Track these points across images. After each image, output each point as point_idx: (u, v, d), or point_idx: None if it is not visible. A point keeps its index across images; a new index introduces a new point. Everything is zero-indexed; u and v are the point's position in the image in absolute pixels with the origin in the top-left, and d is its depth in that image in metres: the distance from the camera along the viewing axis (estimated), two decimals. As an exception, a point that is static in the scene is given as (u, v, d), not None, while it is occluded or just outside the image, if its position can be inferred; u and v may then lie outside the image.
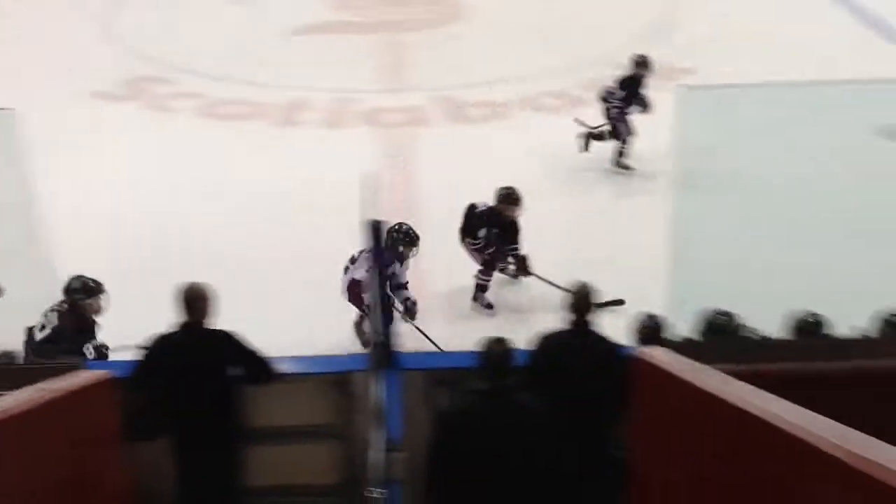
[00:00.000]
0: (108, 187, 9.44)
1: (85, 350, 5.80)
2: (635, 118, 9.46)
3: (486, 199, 7.52)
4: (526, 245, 7.55)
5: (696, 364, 3.74)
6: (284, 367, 4.59)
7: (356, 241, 5.57)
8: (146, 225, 8.70)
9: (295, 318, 7.01)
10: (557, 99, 11.51)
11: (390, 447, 3.91)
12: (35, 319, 5.86)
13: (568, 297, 4.46)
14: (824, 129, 9.50)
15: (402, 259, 6.86)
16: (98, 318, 5.96)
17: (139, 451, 4.44)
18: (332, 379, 4.80)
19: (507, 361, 3.96)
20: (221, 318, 4.44)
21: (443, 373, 4.74)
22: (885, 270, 6.79)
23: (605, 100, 9.67)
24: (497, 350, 3.96)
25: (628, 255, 7.63)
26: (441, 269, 7.71)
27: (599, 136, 9.83)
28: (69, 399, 3.92)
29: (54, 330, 5.80)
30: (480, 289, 7.59)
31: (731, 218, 7.69)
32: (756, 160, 8.93)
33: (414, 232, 6.91)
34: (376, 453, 3.85)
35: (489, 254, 7.49)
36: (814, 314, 5.04)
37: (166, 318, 4.40)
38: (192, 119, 11.24)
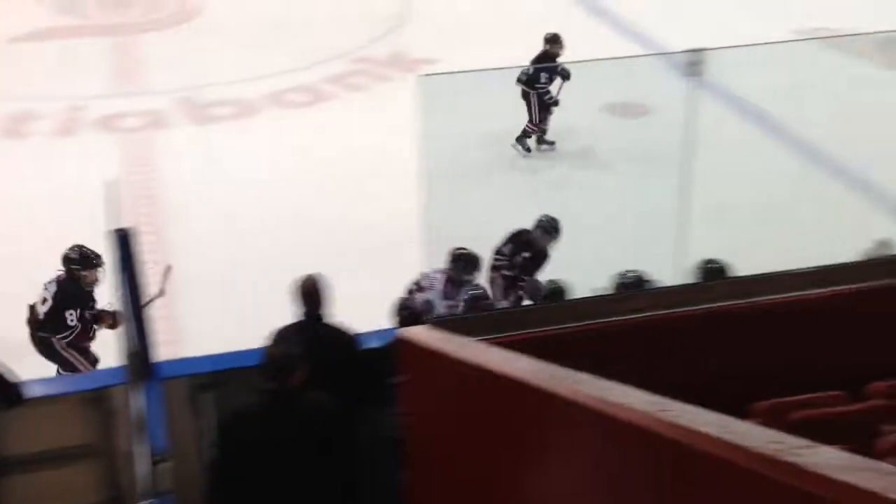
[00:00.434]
0: None
1: (68, 317, 5.99)
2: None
3: (237, 198, 7.40)
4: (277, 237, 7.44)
5: (457, 338, 3.84)
6: (35, 391, 4.32)
7: (104, 252, 5.31)
8: None
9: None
10: (303, 94, 11.47)
11: (155, 459, 3.78)
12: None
13: (296, 290, 4.52)
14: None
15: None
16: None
17: None
18: (90, 397, 4.58)
19: (291, 361, 3.94)
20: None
21: (205, 377, 4.62)
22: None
23: (521, 82, 9.66)
24: (279, 351, 3.94)
25: (388, 243, 7.73)
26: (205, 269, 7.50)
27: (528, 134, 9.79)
28: None
29: (54, 299, 6.02)
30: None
31: (484, 198, 7.98)
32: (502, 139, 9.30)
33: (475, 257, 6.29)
34: (142, 466, 3.71)
35: (508, 276, 6.92)
36: (553, 281, 5.37)
37: None
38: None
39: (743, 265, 5.55)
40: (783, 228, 7.76)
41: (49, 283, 6.13)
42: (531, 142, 9.85)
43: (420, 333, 4.12)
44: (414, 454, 4.15)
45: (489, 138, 9.54)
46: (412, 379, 4.11)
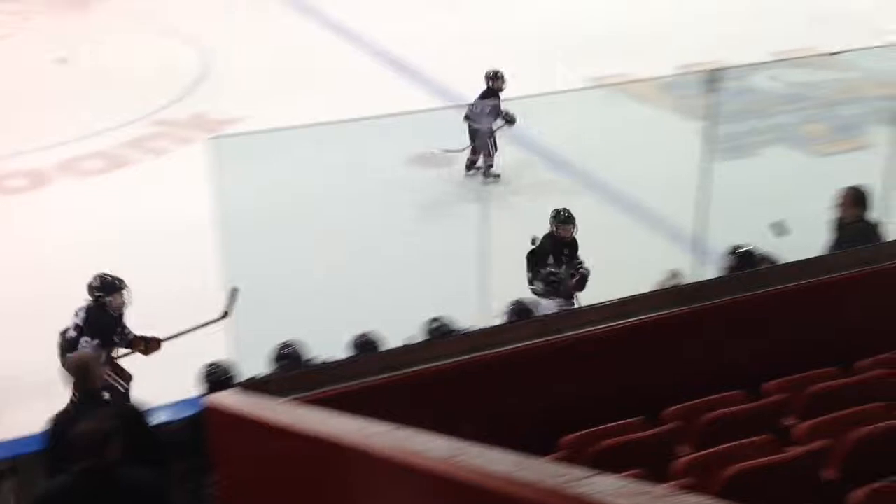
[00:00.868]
0: None
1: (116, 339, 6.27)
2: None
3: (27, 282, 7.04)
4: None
5: (265, 400, 3.81)
6: None
7: None
8: None
9: None
10: (100, 160, 11.08)
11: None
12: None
13: (70, 368, 4.41)
14: (364, 163, 10.14)
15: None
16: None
17: None
18: None
19: (107, 436, 3.79)
20: None
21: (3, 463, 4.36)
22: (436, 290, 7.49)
23: (469, 118, 10.12)
24: (92, 426, 3.78)
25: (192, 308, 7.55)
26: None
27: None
28: None
29: (84, 325, 6.18)
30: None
31: (288, 257, 7.95)
32: (303, 199, 9.30)
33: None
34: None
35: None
36: (372, 336, 5.41)
37: None
38: None
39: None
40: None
41: (79, 310, 6.34)
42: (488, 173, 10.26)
43: (228, 398, 4.05)
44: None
45: (290, 195, 9.51)
46: (223, 446, 4.03)
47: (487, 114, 10.17)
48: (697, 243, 7.31)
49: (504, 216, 7.36)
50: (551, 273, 7.35)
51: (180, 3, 16.67)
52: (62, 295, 6.75)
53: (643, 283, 7.29)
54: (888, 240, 6.23)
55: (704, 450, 3.98)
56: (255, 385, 4.18)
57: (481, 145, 10.29)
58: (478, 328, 4.93)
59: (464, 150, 10.34)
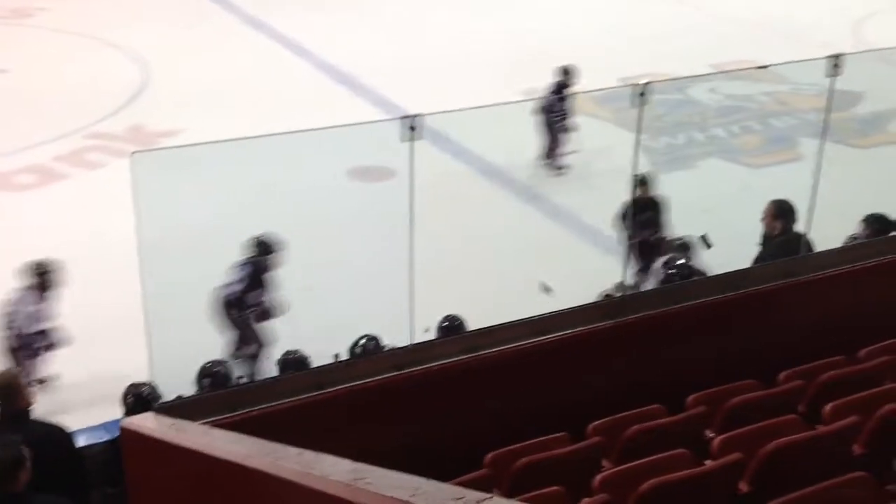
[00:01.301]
0: None
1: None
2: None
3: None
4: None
5: (179, 423, 3.75)
6: None
7: None
8: None
9: None
10: (32, 174, 10.87)
11: None
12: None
13: None
14: (302, 174, 10.08)
15: None
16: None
17: None
18: None
19: (15, 463, 3.70)
20: None
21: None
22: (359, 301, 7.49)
23: (545, 111, 10.73)
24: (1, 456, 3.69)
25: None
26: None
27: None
28: None
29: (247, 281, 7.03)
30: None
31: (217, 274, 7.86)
32: (234, 213, 9.21)
33: None
34: None
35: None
36: (299, 354, 5.37)
37: None
38: None
39: (475, 320, 5.79)
40: (524, 278, 8.11)
41: (238, 267, 7.06)
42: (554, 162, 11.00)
43: (145, 421, 4.00)
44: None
45: (221, 210, 9.40)
46: (139, 469, 3.97)
47: (558, 107, 10.90)
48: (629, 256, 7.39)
49: (438, 228, 7.35)
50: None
51: (119, 16, 16.44)
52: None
53: (585, 297, 7.37)
54: (812, 252, 6.33)
55: (625, 464, 4.01)
56: (173, 407, 4.12)
57: (552, 137, 10.98)
58: (404, 345, 4.90)
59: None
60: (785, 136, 12.05)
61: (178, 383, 5.08)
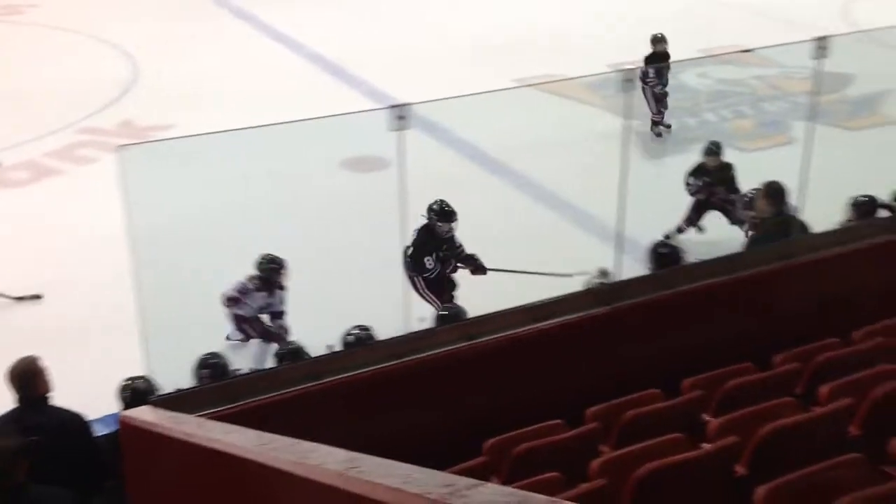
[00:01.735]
0: None
1: (426, 261, 7.40)
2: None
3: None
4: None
5: (176, 415, 3.76)
6: None
7: None
8: None
9: None
10: (23, 170, 10.84)
11: None
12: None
13: (10, 374, 4.32)
14: (295, 166, 10.07)
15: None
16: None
17: None
18: None
19: (9, 457, 3.71)
20: None
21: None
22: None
23: (642, 80, 11.13)
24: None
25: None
26: None
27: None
28: None
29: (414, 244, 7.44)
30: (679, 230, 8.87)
31: (210, 267, 7.85)
32: (227, 205, 9.20)
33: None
34: None
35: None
36: (295, 345, 5.38)
37: None
38: None
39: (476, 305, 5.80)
40: (518, 265, 8.11)
41: (416, 229, 7.34)
42: (659, 128, 11.55)
43: (143, 414, 4.01)
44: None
45: (213, 202, 9.38)
46: (137, 461, 3.98)
47: (651, 76, 11.29)
48: (621, 241, 7.39)
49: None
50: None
51: (109, 11, 16.40)
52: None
53: (573, 282, 7.37)
54: (805, 234, 6.35)
55: (622, 449, 4.02)
56: (170, 400, 4.12)
57: (650, 103, 11.43)
58: (400, 334, 4.91)
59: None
60: (777, 120, 12.06)
61: (175, 376, 5.09)
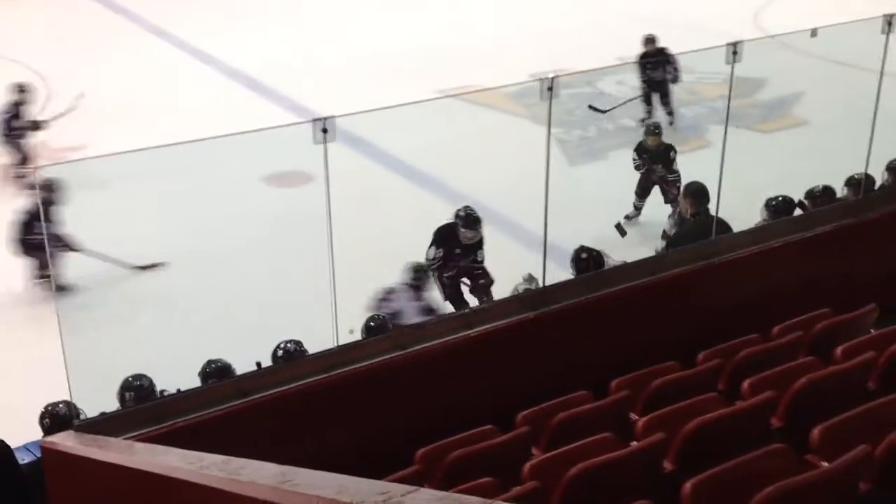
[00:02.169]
0: None
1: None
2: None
3: None
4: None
5: (101, 439, 3.69)
6: None
7: None
8: None
9: None
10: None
11: None
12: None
13: None
14: (216, 184, 9.94)
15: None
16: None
17: None
18: None
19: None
20: None
21: None
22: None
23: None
24: None
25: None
26: None
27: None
28: None
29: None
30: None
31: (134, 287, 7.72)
32: (147, 223, 9.07)
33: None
34: None
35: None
36: (221, 363, 5.32)
37: None
38: None
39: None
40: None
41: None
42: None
43: (66, 439, 3.93)
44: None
45: (134, 221, 9.24)
46: (62, 487, 3.89)
47: (656, 69, 11.91)
48: (546, 248, 7.51)
49: (354, 230, 7.33)
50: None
51: (17, 30, 16.01)
52: None
53: (501, 289, 7.42)
54: (727, 233, 6.49)
55: (553, 451, 4.06)
56: (94, 424, 4.04)
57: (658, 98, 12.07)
58: (330, 347, 4.88)
59: (607, 110, 12.09)
60: (693, 125, 12.33)
61: (99, 399, 4.97)
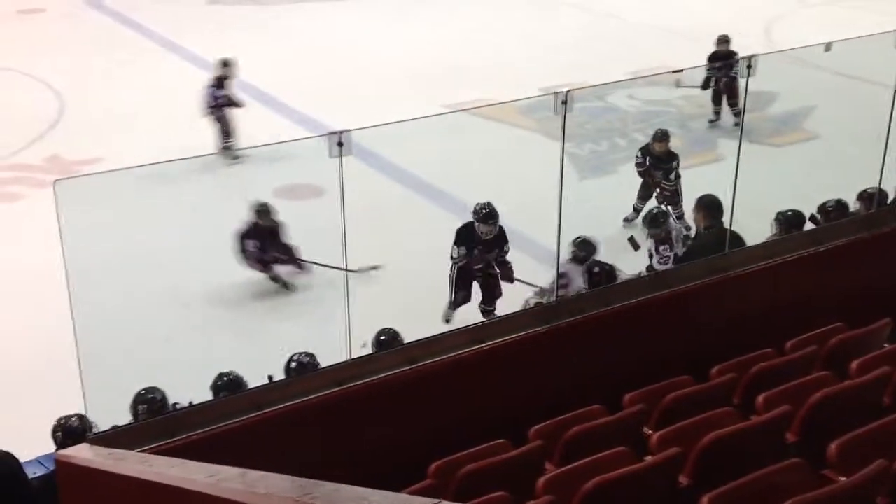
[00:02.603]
0: None
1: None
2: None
3: None
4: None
5: (116, 452, 3.69)
6: None
7: None
8: None
9: None
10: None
11: None
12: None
13: None
14: (228, 194, 9.99)
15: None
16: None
17: None
18: None
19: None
20: None
21: None
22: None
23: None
24: None
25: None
26: None
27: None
28: None
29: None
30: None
31: (146, 300, 7.75)
32: (163, 237, 9.09)
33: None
34: None
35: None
36: (234, 376, 5.33)
37: None
38: None
39: (412, 333, 5.80)
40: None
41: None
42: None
43: (80, 452, 3.93)
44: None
45: (149, 234, 9.27)
46: (76, 501, 3.89)
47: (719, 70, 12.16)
48: (559, 262, 7.53)
49: (370, 243, 7.36)
50: None
51: (32, 45, 16.11)
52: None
53: (512, 303, 7.42)
54: (741, 245, 6.48)
55: (567, 465, 4.05)
56: (108, 437, 4.05)
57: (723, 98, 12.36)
58: (342, 361, 4.88)
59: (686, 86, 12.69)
60: (704, 138, 12.33)
61: (113, 413, 4.98)
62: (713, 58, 12.47)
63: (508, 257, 8.17)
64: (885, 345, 5.04)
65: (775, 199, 7.69)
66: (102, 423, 4.75)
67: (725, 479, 3.42)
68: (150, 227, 9.18)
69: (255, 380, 5.16)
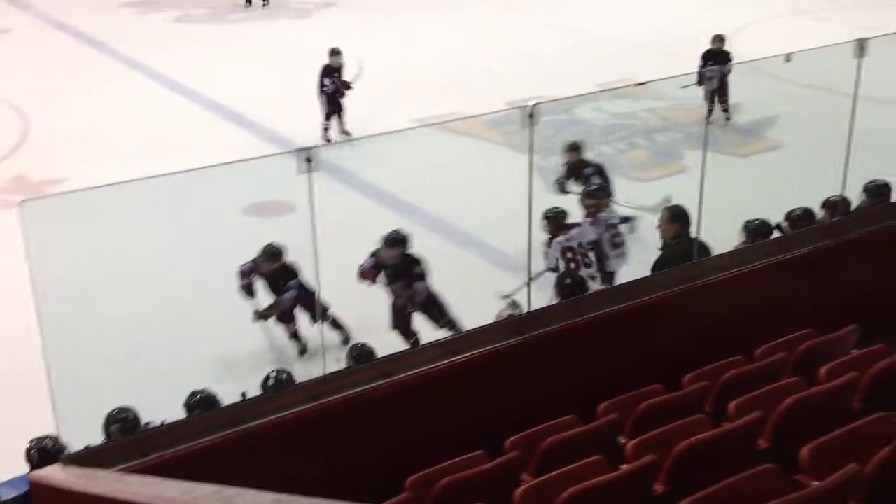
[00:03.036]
0: None
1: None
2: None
3: None
4: None
5: (90, 471, 3.67)
6: None
7: None
8: None
9: None
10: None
11: None
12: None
13: None
14: (198, 212, 9.95)
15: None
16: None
17: None
18: None
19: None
20: None
21: None
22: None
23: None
24: None
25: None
26: None
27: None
28: None
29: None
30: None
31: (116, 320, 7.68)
32: (132, 257, 9.03)
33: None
34: None
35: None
36: (207, 394, 5.29)
37: None
38: None
39: (385, 347, 5.81)
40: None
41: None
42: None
43: (54, 473, 3.90)
44: None
45: (118, 255, 9.21)
46: (51, 524, 3.85)
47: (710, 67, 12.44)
48: (530, 273, 7.57)
49: (342, 259, 7.36)
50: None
51: (-2, 63, 16.05)
52: None
53: (485, 315, 7.42)
54: (707, 255, 6.55)
55: (543, 476, 4.07)
56: (82, 457, 4.01)
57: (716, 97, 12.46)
58: (317, 376, 4.88)
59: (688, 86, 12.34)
60: (669, 150, 12.46)
61: (85, 434, 4.94)
62: (707, 56, 12.77)
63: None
64: (853, 350, 5.11)
65: (742, 208, 7.78)
66: (75, 443, 4.73)
67: (699, 486, 3.46)
68: (117, 245, 9.14)
69: (228, 397, 5.13)
